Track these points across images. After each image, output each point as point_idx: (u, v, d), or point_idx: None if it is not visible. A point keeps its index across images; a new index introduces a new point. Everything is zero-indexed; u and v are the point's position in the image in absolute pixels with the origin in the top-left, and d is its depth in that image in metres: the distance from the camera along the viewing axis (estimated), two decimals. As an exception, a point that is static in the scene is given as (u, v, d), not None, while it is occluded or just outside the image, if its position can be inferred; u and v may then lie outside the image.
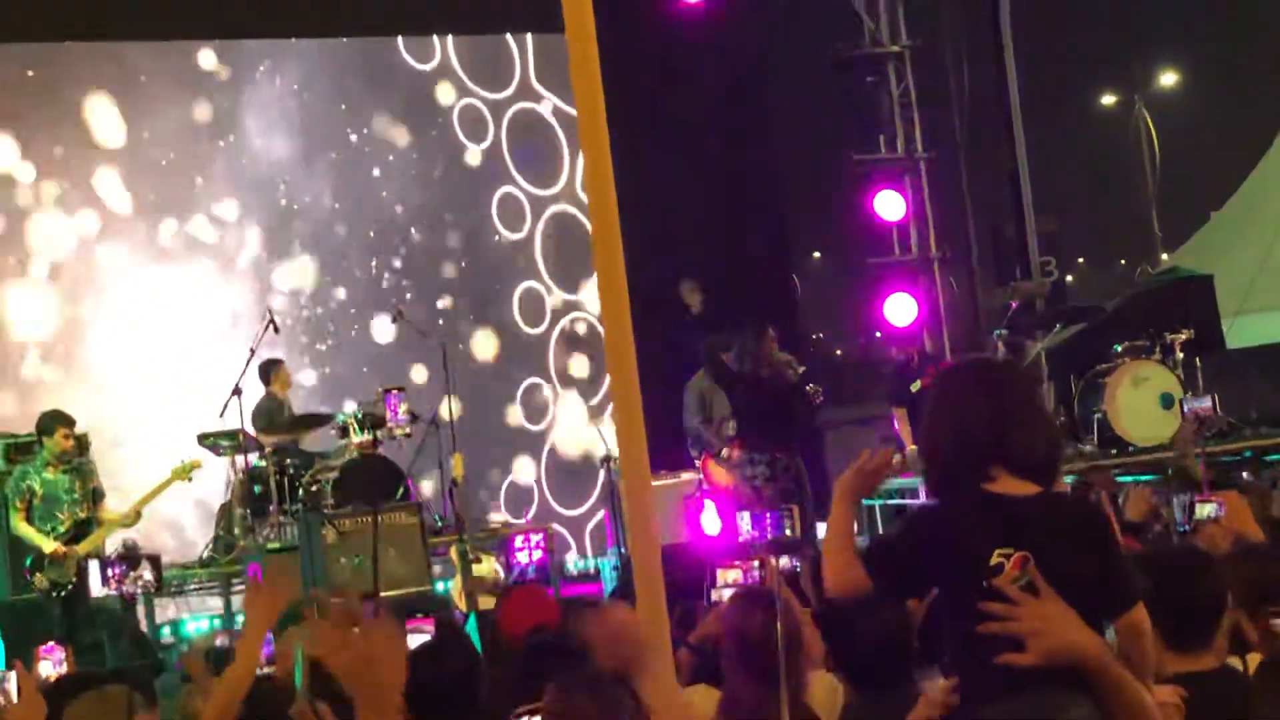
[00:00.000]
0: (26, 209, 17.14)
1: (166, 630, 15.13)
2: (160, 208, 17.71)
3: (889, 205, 18.98)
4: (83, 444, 14.13)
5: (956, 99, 19.99)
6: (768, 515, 7.25)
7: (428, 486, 16.33)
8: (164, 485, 14.10)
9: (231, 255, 18.07)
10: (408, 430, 14.86)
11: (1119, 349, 15.06)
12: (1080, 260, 30.50)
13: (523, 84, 19.92)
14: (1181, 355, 14.84)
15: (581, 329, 19.91)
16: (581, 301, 19.87)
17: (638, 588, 2.90)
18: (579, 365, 19.58)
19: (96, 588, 7.60)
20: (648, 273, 13.56)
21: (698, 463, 15.47)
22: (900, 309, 18.42)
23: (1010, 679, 4.14)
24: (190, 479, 14.36)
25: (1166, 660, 4.91)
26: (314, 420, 15.97)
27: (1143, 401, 14.52)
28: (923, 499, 15.65)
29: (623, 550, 16.16)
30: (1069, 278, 24.14)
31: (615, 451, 17.15)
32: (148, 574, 7.57)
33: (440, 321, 17.69)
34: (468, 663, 6.02)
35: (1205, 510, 7.21)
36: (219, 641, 8.61)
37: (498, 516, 17.67)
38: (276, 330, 16.11)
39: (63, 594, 13.10)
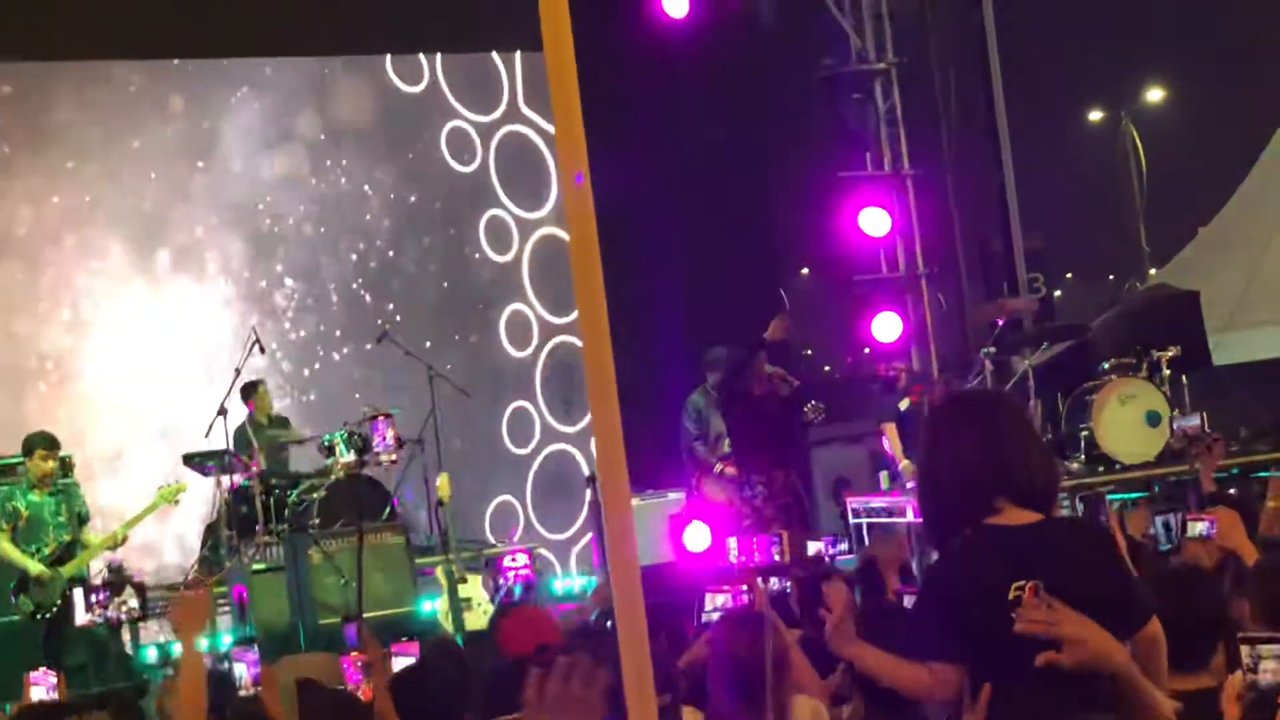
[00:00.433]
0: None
1: (150, 652, 15.05)
2: (143, 231, 17.67)
3: (875, 222, 18.95)
4: (67, 466, 14.08)
5: (943, 115, 19.99)
6: (755, 539, 7.22)
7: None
8: (150, 509, 14.08)
9: (214, 279, 18.03)
10: (394, 457, 14.80)
11: (1106, 366, 15.03)
12: (1068, 276, 30.52)
13: (511, 107, 19.91)
14: (1168, 372, 14.81)
15: (569, 352, 19.88)
16: (569, 325, 19.85)
17: (617, 608, 2.87)
18: (565, 388, 19.49)
19: (80, 615, 7.54)
20: (631, 290, 13.56)
21: (694, 480, 15.40)
22: (886, 326, 18.39)
23: (1045, 710, 4.15)
24: (177, 502, 14.33)
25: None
26: (296, 441, 15.92)
27: (1129, 419, 14.48)
28: (910, 516, 15.64)
29: (609, 570, 16.11)
30: (1057, 293, 24.12)
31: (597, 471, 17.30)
32: (132, 601, 7.53)
33: (427, 344, 17.61)
34: (455, 682, 5.98)
35: (1197, 528, 7.19)
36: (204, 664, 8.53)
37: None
38: (262, 350, 16.09)
39: (47, 616, 13.06)
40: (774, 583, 7.60)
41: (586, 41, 3.14)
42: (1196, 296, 16.19)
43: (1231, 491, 13.14)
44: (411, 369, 16.85)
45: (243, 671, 7.36)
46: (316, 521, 14.53)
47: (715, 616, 7.20)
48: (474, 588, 14.45)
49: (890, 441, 16.40)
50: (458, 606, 14.05)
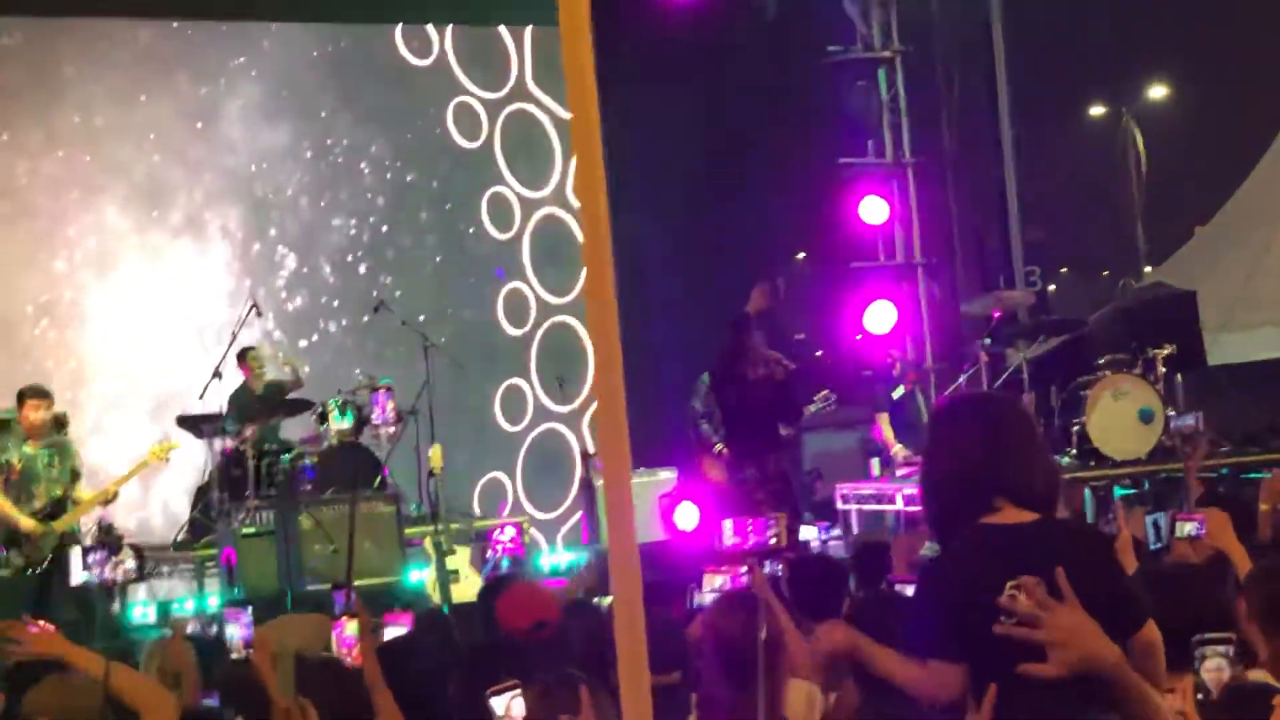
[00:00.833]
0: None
1: (137, 611, 15.04)
2: (141, 192, 17.65)
3: (874, 210, 18.99)
4: (61, 422, 14.07)
5: (945, 106, 20.01)
6: (751, 522, 7.22)
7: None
8: (141, 465, 14.09)
9: (211, 244, 18.01)
10: (393, 429, 14.81)
11: (1101, 362, 15.05)
12: (1063, 270, 30.52)
13: (519, 84, 19.91)
14: (1163, 371, 14.84)
15: (564, 332, 19.90)
16: (567, 305, 19.87)
17: (614, 586, 2.87)
18: (559, 368, 19.48)
19: (77, 573, 7.55)
20: (625, 270, 13.55)
21: (695, 458, 15.42)
22: (881, 316, 18.44)
23: (1041, 713, 4.15)
24: (168, 460, 14.34)
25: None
26: (289, 406, 15.88)
27: (1122, 415, 14.50)
28: (899, 504, 15.68)
29: (599, 546, 16.14)
30: (1051, 287, 24.17)
31: (592, 448, 17.24)
32: (129, 562, 7.54)
33: (421, 318, 17.57)
34: (442, 657, 5.99)
35: (1186, 528, 7.19)
36: (190, 629, 8.56)
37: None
38: (259, 314, 16.14)
39: (37, 572, 13.05)
40: (766, 565, 7.58)
41: (592, 22, 3.14)
42: (1194, 296, 16.21)
43: (1220, 491, 13.18)
44: (406, 342, 16.86)
45: (235, 634, 7.37)
46: (308, 487, 14.55)
47: (710, 598, 7.20)
48: (462, 560, 14.43)
49: (883, 429, 16.45)
50: (445, 578, 14.03)
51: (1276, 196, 20.00)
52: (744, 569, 7.21)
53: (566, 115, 14.44)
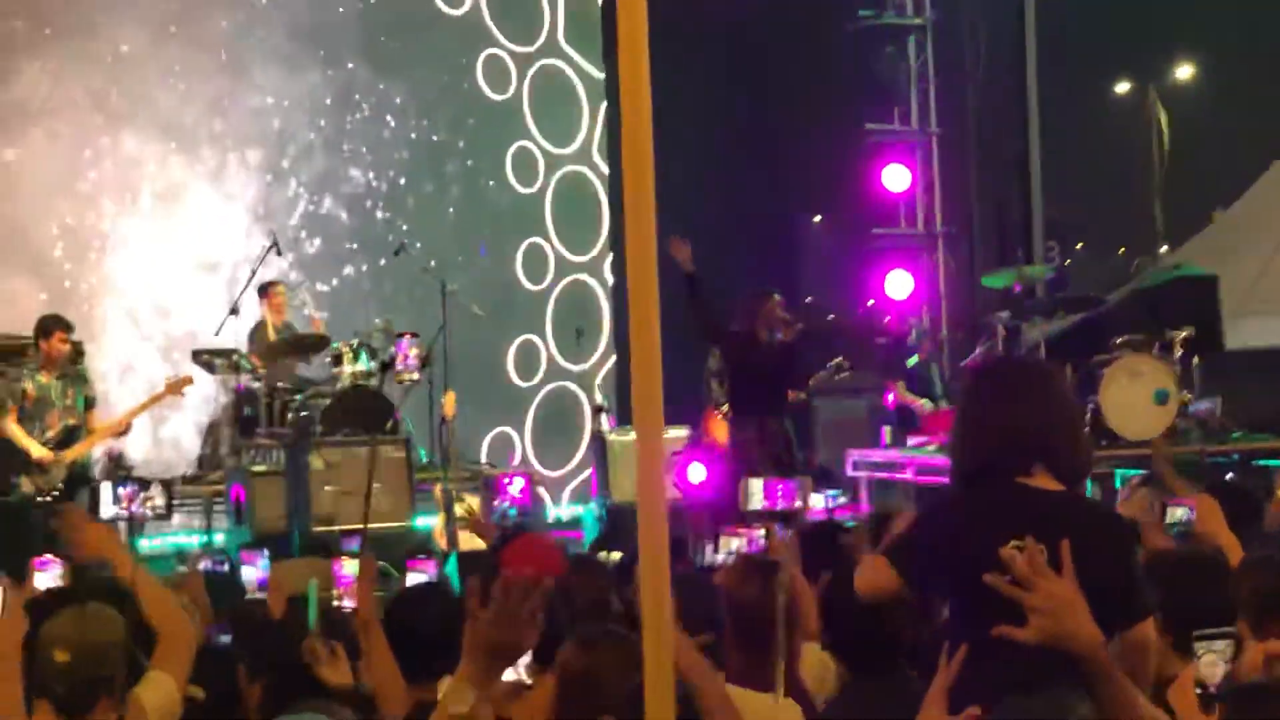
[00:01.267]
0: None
1: (143, 543, 15.07)
2: (167, 127, 17.62)
3: (896, 178, 18.99)
4: (78, 351, 14.07)
5: (971, 76, 19.97)
6: (781, 485, 7.20)
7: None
8: (156, 399, 14.13)
9: (234, 184, 17.96)
10: (415, 376, 14.74)
11: (1118, 341, 15.02)
12: (1079, 246, 30.40)
13: (550, 40, 19.85)
14: (1180, 353, 14.82)
15: (582, 290, 19.88)
16: (586, 263, 19.84)
17: (641, 544, 2.87)
18: (575, 325, 19.45)
19: (106, 508, 7.51)
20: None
21: (703, 415, 15.44)
22: (899, 284, 18.46)
23: (1016, 677, 4.12)
24: (183, 394, 14.35)
25: (1172, 663, 4.93)
26: (304, 344, 15.88)
27: (1137, 396, 14.47)
28: (910, 474, 15.69)
29: (607, 500, 16.16)
30: (1068, 261, 24.12)
31: (601, 400, 17.21)
32: (159, 499, 7.50)
33: (432, 262, 17.43)
34: (449, 610, 5.97)
35: (1177, 514, 7.18)
36: (202, 565, 8.55)
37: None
38: (279, 253, 16.15)
39: (47, 499, 13.07)
40: (776, 529, 7.57)
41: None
42: (1215, 281, 16.17)
43: (1230, 476, 13.17)
44: (423, 289, 16.83)
45: (251, 575, 7.38)
46: (319, 428, 14.55)
47: (722, 559, 7.20)
48: (470, 508, 14.43)
49: (902, 395, 16.45)
50: (453, 526, 14.05)
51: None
52: (762, 532, 7.21)
53: (596, 72, 14.63)
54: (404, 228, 18.55)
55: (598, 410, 17.55)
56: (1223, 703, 4.25)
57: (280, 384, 15.37)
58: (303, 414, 14.82)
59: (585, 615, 6.39)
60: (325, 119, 18.52)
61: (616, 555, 14.15)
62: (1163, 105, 23.72)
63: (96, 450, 13.94)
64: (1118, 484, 12.92)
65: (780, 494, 7.14)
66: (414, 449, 15.17)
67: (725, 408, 15.11)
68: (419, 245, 17.51)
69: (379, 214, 18.75)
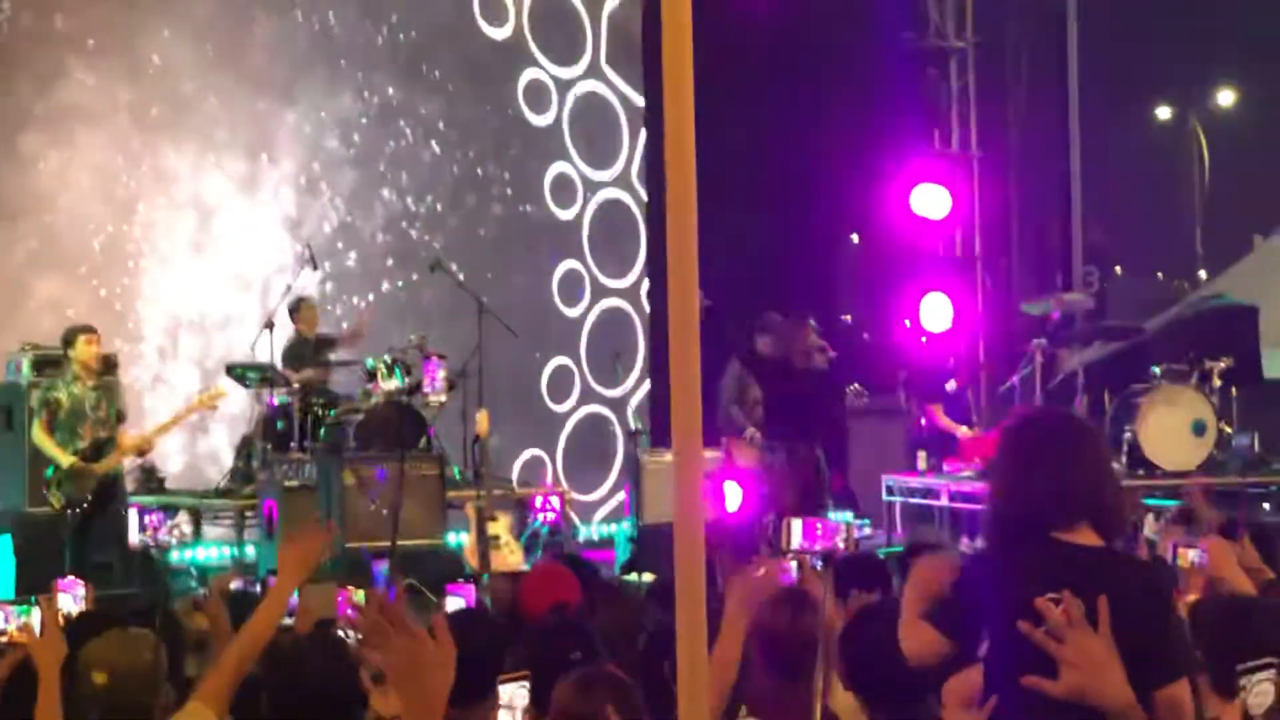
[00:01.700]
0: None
1: (173, 554, 15.07)
2: (207, 144, 17.60)
3: (936, 201, 18.93)
4: (110, 363, 14.06)
5: (1013, 100, 19.91)
6: (821, 525, 7.14)
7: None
8: (188, 412, 14.15)
9: (271, 201, 17.93)
10: (443, 399, 14.78)
11: (1157, 371, 14.94)
12: (1117, 269, 30.34)
13: (592, 64, 19.81)
14: (1219, 383, 14.73)
15: (617, 316, 19.85)
16: (623, 290, 19.81)
17: (677, 566, 2.83)
18: (610, 351, 19.39)
19: (134, 535, 7.50)
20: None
21: (725, 441, 15.31)
22: (937, 309, 18.39)
23: None
24: (216, 408, 14.35)
25: (1214, 704, 4.86)
26: (339, 361, 15.88)
27: (1174, 426, 14.42)
28: (944, 500, 15.62)
29: (640, 522, 16.10)
30: (1105, 282, 24.05)
31: (636, 425, 17.14)
32: (185, 526, 7.51)
33: (481, 297, 17.26)
34: (492, 640, 5.90)
35: (1189, 556, 7.10)
36: (234, 585, 8.51)
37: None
38: (315, 267, 16.15)
39: (77, 511, 13.06)
40: (811, 557, 7.49)
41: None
42: (1255, 311, 16.07)
43: (1265, 506, 13.09)
44: (458, 307, 16.81)
45: (280, 600, 7.32)
46: (352, 444, 14.53)
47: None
48: (502, 526, 14.41)
49: (941, 419, 16.37)
50: (485, 544, 14.02)
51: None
52: (795, 564, 7.15)
53: (637, 97, 14.58)
54: (440, 246, 18.42)
55: (632, 434, 17.49)
56: None
57: (314, 398, 15.36)
58: (336, 429, 14.80)
59: (610, 645, 6.35)
60: (362, 136, 18.46)
61: (649, 577, 14.17)
62: (1203, 131, 23.67)
63: (127, 462, 13.94)
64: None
65: (820, 533, 7.07)
66: (448, 466, 15.15)
67: (750, 433, 15.04)
68: (454, 267, 17.34)
69: (415, 233, 18.69)
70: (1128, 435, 14.56)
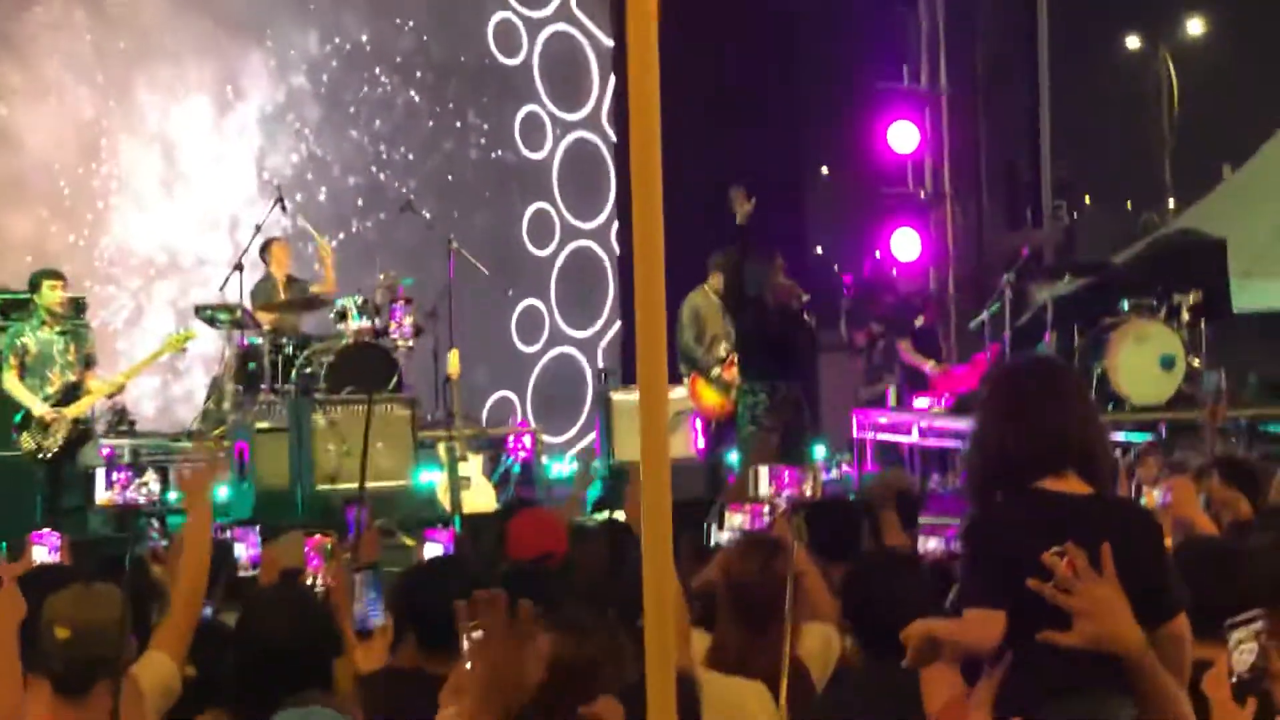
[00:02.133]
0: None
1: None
2: (175, 75, 17.51)
3: (904, 137, 18.92)
4: (79, 306, 14.02)
5: (981, 35, 19.86)
6: (787, 472, 7.15)
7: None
8: (157, 355, 14.10)
9: (243, 143, 17.86)
10: (410, 344, 14.77)
11: (1126, 306, 14.97)
12: (1087, 199, 30.35)
13: (562, 5, 19.75)
14: (1187, 317, 14.76)
15: (588, 257, 19.80)
16: (592, 230, 19.76)
17: (644, 504, 2.82)
18: (579, 291, 19.37)
19: (100, 493, 7.45)
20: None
21: (686, 381, 15.25)
22: (906, 244, 18.41)
23: (1058, 681, 4.13)
24: (184, 350, 14.30)
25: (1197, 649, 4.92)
26: (309, 301, 15.81)
27: (1144, 361, 14.45)
28: (914, 436, 15.66)
29: (611, 460, 16.12)
30: (1075, 214, 24.06)
31: (603, 363, 17.13)
32: (153, 484, 7.43)
33: (451, 237, 17.22)
34: (467, 584, 5.88)
35: (1153, 496, 7.15)
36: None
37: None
38: (285, 209, 16.08)
39: (48, 456, 13.03)
40: (781, 503, 7.50)
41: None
42: (1223, 244, 16.06)
43: (1251, 455, 13.12)
44: (428, 248, 16.78)
45: (242, 552, 7.29)
46: (323, 385, 14.50)
47: (727, 537, 7.15)
48: (474, 467, 14.41)
49: (909, 354, 16.41)
50: (457, 484, 14.01)
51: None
52: (766, 509, 7.17)
53: (607, 39, 14.53)
54: (411, 191, 18.32)
55: (601, 374, 17.50)
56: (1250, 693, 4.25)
57: (285, 340, 15.30)
58: (306, 371, 14.76)
59: (586, 593, 6.33)
60: (331, 76, 18.39)
61: (621, 515, 14.19)
62: (1173, 60, 23.64)
63: (98, 405, 13.91)
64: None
65: (787, 481, 7.08)
66: (419, 407, 15.14)
67: (716, 371, 14.90)
68: (425, 213, 17.27)
69: (386, 174, 18.63)
70: (1098, 371, 14.59)
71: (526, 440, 15.80)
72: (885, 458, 16.14)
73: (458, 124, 19.23)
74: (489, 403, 18.63)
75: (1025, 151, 19.98)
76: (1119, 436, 13.91)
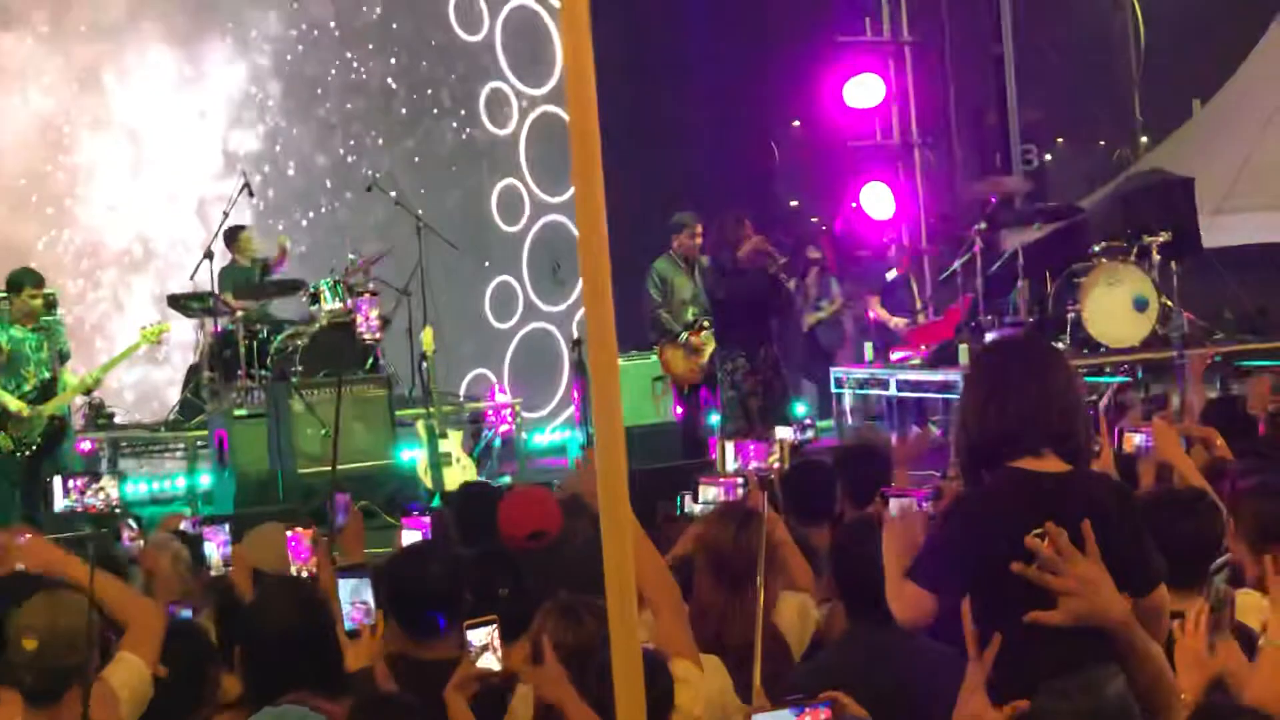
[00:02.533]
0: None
1: (127, 488, 15.01)
2: (138, 59, 17.46)
3: (869, 89, 18.87)
4: (50, 302, 13.99)
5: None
6: (752, 446, 7.17)
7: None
8: (132, 349, 14.05)
9: (207, 120, 17.81)
10: (378, 337, 14.76)
11: (1096, 249, 14.98)
12: (1059, 140, 30.32)
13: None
14: (1158, 258, 14.77)
15: (559, 231, 19.78)
16: (562, 204, 19.74)
17: (600, 472, 2.85)
18: (550, 268, 19.38)
19: (59, 501, 7.45)
20: (610, 151, 13.38)
21: (656, 348, 15.20)
22: (877, 197, 18.38)
23: (1047, 662, 4.19)
24: (160, 342, 14.29)
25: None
26: (281, 286, 15.80)
27: (1116, 303, 14.45)
28: (892, 390, 15.68)
29: (590, 429, 16.12)
30: (1047, 156, 24.03)
31: (578, 334, 17.13)
32: (112, 490, 7.43)
33: (419, 211, 17.19)
34: (448, 569, 5.89)
35: (1134, 440, 7.15)
36: (182, 525, 8.48)
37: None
38: (251, 194, 16.04)
39: (25, 454, 13.03)
40: (754, 466, 7.53)
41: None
42: (1191, 183, 16.06)
43: (1234, 391, 13.16)
44: (398, 226, 16.76)
45: (212, 551, 7.28)
46: (299, 369, 14.49)
47: (701, 509, 7.16)
48: (454, 443, 14.43)
49: (877, 311, 16.43)
50: (437, 461, 14.04)
51: (1274, 79, 19.84)
52: (741, 481, 7.17)
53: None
54: (378, 171, 18.26)
55: (576, 343, 17.48)
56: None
57: (258, 325, 15.29)
58: (281, 355, 14.74)
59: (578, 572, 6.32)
60: (295, 58, 18.34)
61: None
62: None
63: (76, 400, 13.91)
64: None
65: (753, 455, 7.11)
66: (396, 385, 15.14)
67: (684, 336, 14.84)
68: (392, 194, 17.21)
69: (353, 156, 18.59)
70: (1071, 315, 14.60)
71: (506, 414, 15.79)
72: (863, 414, 16.19)
73: (424, 102, 19.19)
74: (466, 379, 18.63)
75: (993, 97, 19.94)
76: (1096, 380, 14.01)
